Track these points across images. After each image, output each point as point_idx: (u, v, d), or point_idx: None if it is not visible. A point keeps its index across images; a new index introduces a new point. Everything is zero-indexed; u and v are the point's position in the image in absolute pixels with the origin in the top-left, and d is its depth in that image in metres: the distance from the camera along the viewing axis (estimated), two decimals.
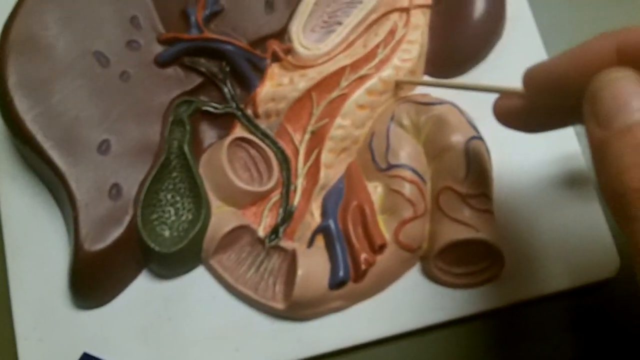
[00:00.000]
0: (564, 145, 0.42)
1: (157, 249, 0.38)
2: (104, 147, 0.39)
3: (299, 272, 0.38)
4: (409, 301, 0.39)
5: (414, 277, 0.40)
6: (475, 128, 0.40)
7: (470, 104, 0.41)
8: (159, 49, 0.42)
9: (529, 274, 0.40)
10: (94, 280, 0.39)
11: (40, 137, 0.39)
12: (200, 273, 0.40)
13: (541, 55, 0.43)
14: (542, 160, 0.41)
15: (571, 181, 0.41)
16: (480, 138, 0.39)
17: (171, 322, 0.39)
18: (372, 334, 0.39)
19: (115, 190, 0.39)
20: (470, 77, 0.43)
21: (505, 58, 0.43)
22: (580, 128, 0.41)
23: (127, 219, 0.39)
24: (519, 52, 0.43)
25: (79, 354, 0.39)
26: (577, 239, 0.40)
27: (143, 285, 0.40)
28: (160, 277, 0.40)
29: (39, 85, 0.40)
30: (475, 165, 0.38)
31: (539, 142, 0.40)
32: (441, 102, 0.40)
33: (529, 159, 0.41)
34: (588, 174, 0.41)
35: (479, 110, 0.40)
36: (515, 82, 0.39)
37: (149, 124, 0.41)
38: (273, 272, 0.39)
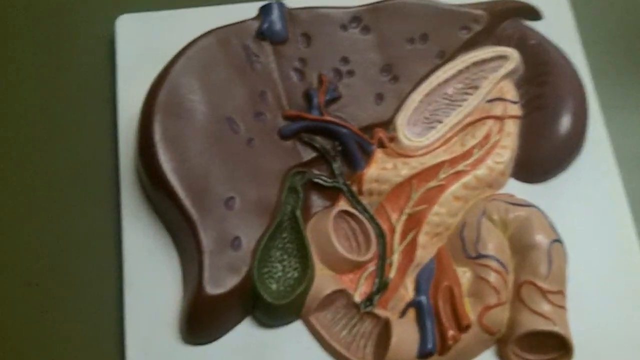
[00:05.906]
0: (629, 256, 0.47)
1: (269, 299, 0.43)
2: (230, 203, 0.45)
3: (394, 338, 0.42)
4: None
5: (488, 357, 0.44)
6: (556, 232, 0.45)
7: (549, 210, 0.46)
8: (282, 123, 0.48)
9: None
10: (208, 320, 0.43)
11: (177, 187, 0.44)
12: (297, 327, 0.45)
13: (614, 174, 0.49)
14: (609, 266, 0.47)
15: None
16: (560, 241, 0.45)
17: None
18: None
19: (237, 243, 0.44)
20: (550, 185, 0.48)
21: (582, 173, 0.49)
22: None
23: (245, 269, 0.43)
24: (594, 170, 0.49)
25: None
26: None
27: (246, 330, 0.45)
28: (262, 325, 0.45)
29: (179, 142, 0.45)
30: (556, 265, 0.44)
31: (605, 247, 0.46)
32: (528, 205, 0.46)
33: (597, 263, 0.47)
34: None
35: (556, 216, 0.46)
36: (587, 197, 0.47)
37: (268, 187, 0.46)
38: (365, 335, 0.44)
